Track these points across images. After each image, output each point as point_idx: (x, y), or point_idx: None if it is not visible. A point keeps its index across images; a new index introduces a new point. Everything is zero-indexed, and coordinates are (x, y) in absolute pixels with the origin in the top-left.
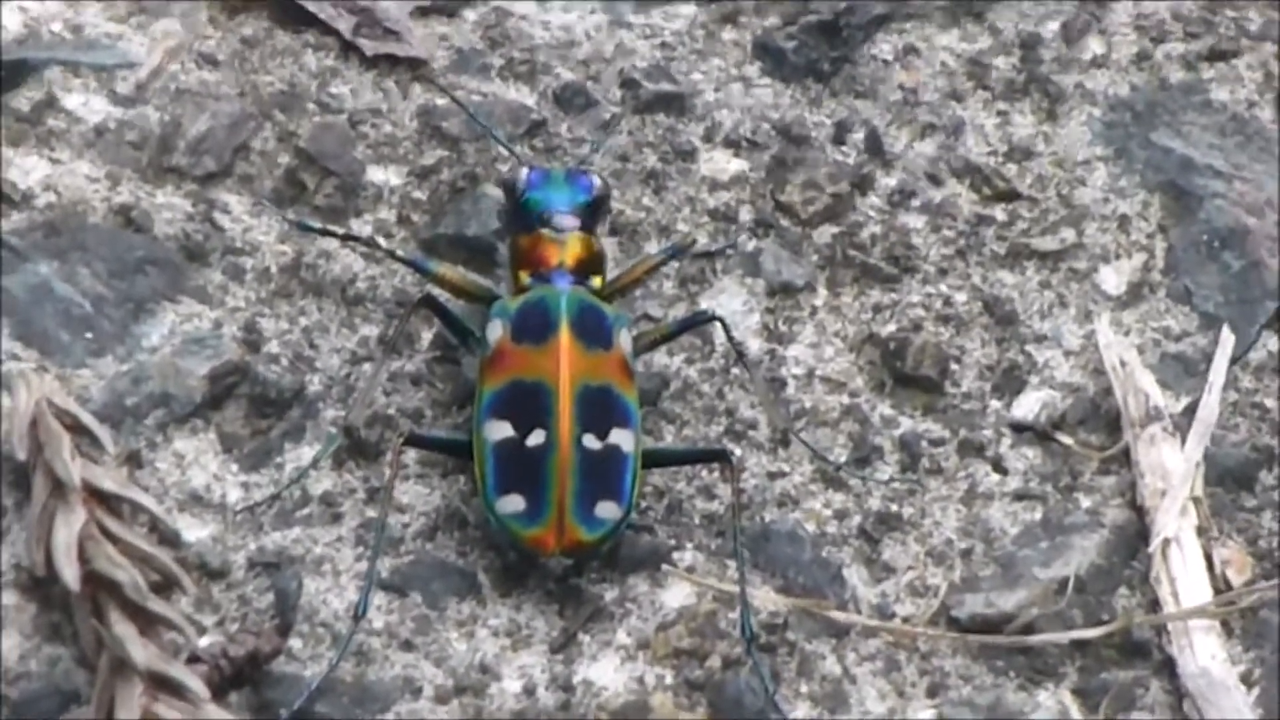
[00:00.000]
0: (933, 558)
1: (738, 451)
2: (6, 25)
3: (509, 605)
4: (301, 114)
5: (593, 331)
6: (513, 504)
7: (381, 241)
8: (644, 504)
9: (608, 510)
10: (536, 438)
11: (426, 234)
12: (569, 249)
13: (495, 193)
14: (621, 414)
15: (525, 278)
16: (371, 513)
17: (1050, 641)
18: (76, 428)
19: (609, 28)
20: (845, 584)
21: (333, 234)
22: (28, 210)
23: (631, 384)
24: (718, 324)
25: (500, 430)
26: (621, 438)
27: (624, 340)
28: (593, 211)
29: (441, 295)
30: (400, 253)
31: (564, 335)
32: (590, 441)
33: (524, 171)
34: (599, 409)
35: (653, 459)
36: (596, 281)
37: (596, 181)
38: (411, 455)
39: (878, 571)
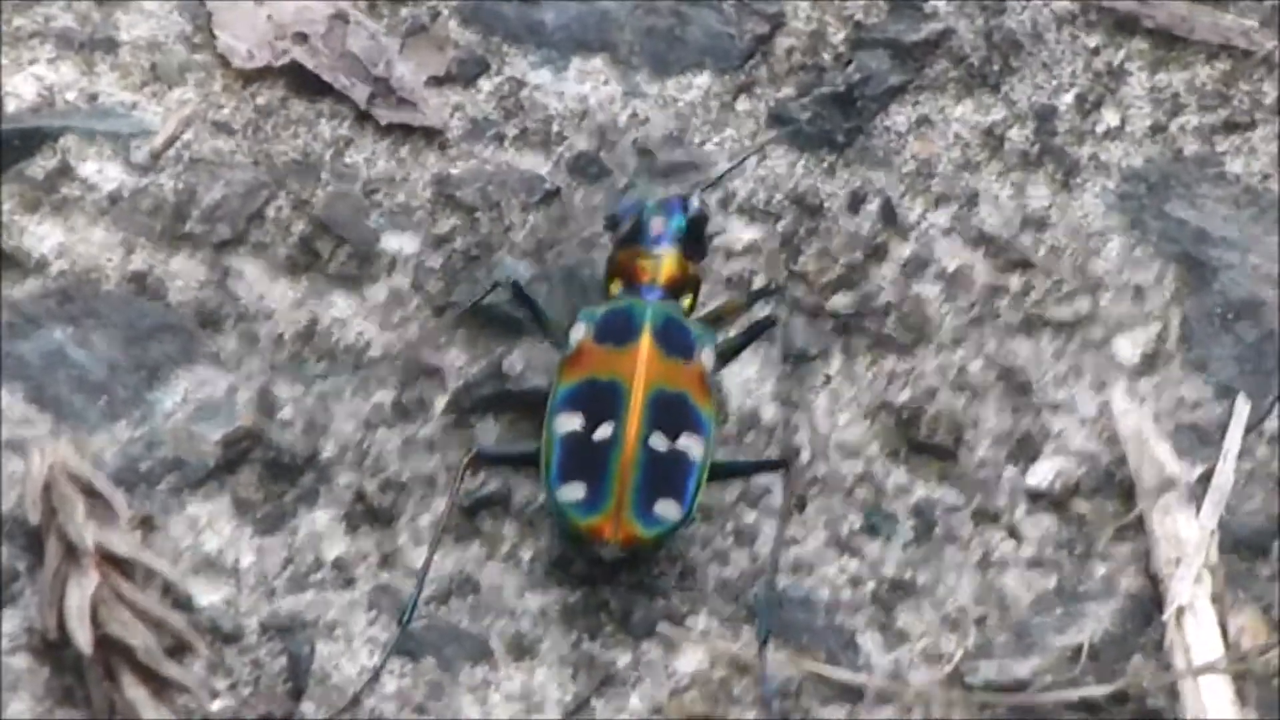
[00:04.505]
0: (947, 624)
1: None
2: (21, 93)
3: (522, 670)
4: (316, 182)
5: (675, 342)
6: (573, 492)
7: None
8: (656, 569)
9: (667, 509)
10: (604, 431)
11: (441, 301)
12: (662, 267)
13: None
14: (693, 421)
15: (616, 289)
16: (386, 576)
17: (1060, 700)
18: (90, 492)
19: (623, 98)
20: (859, 650)
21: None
22: (42, 277)
23: (708, 398)
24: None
25: (570, 423)
26: (690, 443)
27: (706, 357)
28: (689, 234)
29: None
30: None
31: (645, 340)
32: (657, 442)
33: (621, 198)
34: (671, 413)
35: (714, 471)
36: (685, 302)
37: (693, 204)
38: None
39: (891, 638)
